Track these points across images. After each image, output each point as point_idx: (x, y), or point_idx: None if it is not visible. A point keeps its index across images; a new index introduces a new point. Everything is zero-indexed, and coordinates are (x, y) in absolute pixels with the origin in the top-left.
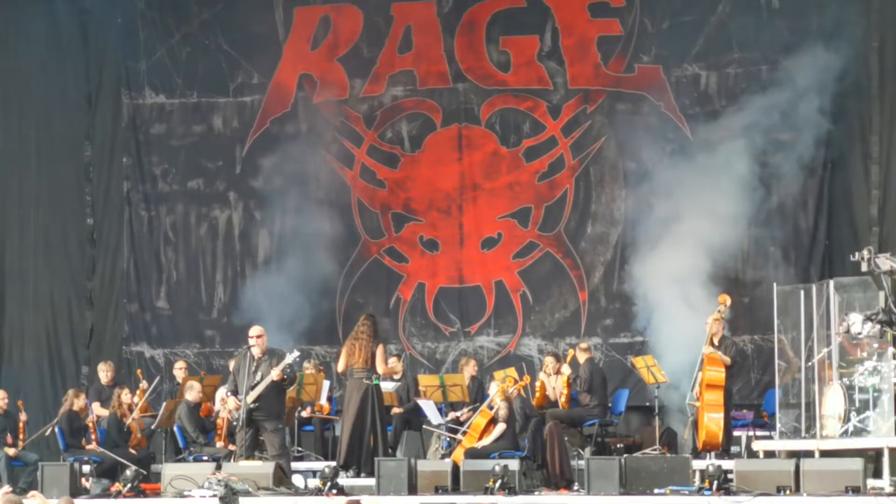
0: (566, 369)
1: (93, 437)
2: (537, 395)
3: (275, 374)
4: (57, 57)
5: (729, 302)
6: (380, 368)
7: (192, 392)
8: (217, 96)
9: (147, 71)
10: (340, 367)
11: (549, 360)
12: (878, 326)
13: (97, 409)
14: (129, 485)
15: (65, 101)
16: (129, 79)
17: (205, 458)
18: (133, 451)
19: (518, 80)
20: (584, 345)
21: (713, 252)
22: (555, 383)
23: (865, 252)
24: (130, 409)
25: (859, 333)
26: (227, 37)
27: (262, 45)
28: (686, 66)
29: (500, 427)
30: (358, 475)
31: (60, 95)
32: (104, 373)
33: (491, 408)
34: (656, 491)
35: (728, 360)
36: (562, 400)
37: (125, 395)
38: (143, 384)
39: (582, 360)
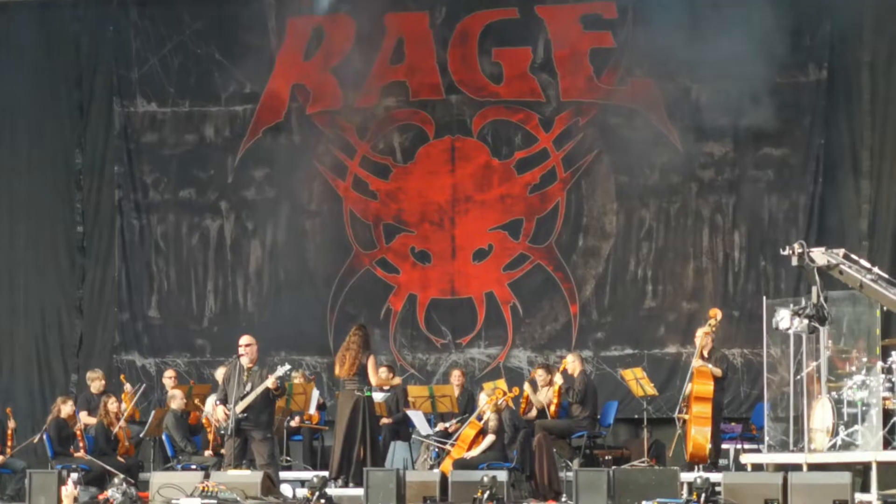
0: (558, 378)
1: (81, 444)
2: (521, 405)
3: (270, 381)
4: (49, 65)
5: (720, 315)
6: (372, 379)
7: (177, 401)
8: (209, 105)
9: (139, 80)
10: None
11: (540, 372)
12: (807, 321)
13: (84, 418)
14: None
15: (56, 110)
16: (121, 87)
17: (193, 466)
18: (121, 460)
19: (510, 92)
20: (577, 356)
21: (703, 265)
22: (543, 395)
23: (797, 246)
24: (117, 418)
25: (788, 328)
26: (220, 46)
27: (254, 55)
28: (678, 80)
29: (489, 438)
30: (347, 485)
31: (52, 104)
32: (93, 381)
33: (480, 419)
34: (644, 503)
35: (720, 371)
36: (551, 409)
37: (112, 404)
38: (127, 387)
39: (576, 371)
